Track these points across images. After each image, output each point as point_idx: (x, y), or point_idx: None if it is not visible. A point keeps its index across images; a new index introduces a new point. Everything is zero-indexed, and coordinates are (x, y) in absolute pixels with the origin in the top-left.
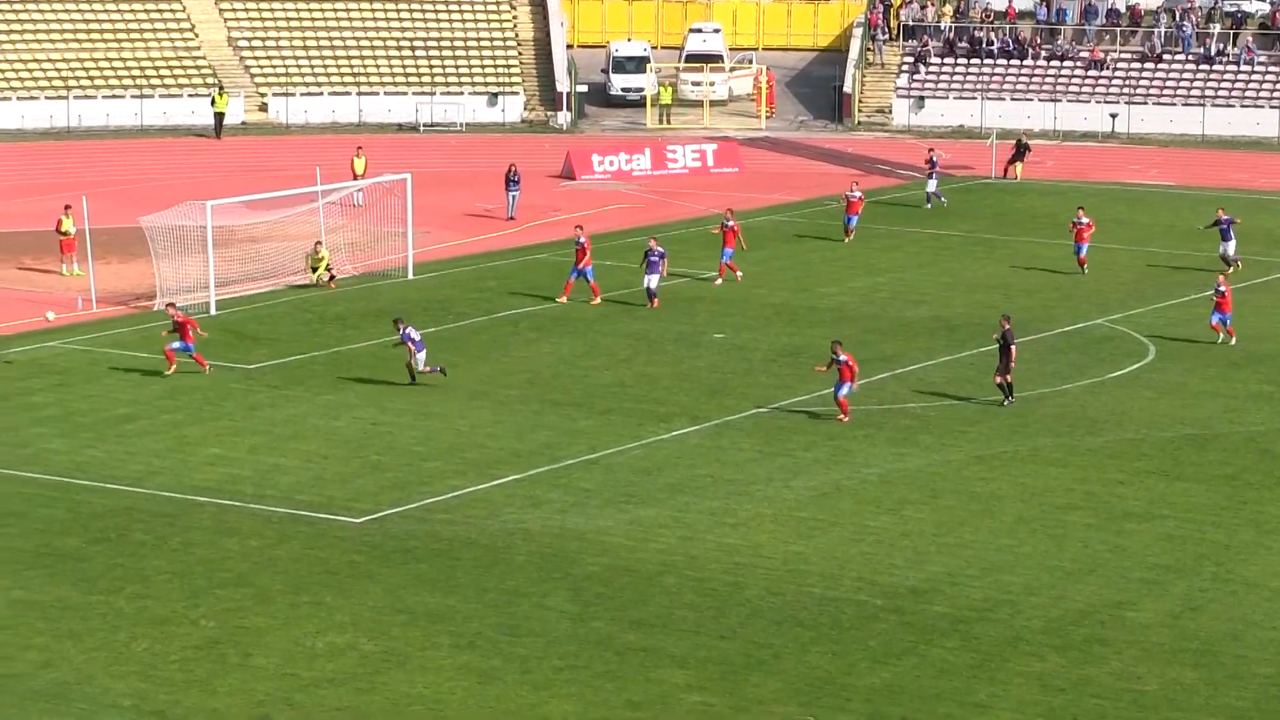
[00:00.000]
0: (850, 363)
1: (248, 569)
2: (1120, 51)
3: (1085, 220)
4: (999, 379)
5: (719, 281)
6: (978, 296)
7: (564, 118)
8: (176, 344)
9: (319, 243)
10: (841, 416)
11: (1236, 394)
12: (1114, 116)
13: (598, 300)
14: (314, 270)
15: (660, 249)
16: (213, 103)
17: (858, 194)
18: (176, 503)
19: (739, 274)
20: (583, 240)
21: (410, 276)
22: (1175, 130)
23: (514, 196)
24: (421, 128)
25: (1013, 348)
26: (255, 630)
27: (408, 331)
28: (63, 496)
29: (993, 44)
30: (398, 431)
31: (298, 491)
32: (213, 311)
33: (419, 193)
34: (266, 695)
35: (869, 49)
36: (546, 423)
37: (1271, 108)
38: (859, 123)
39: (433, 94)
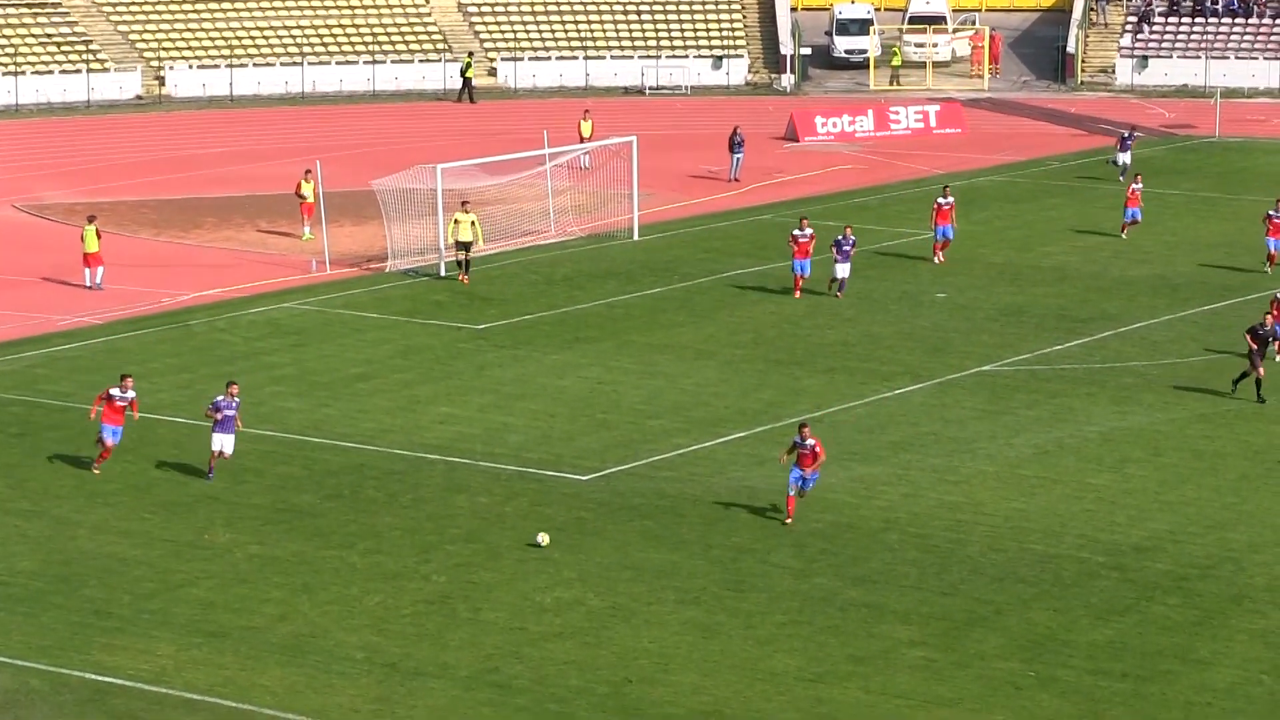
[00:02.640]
0: (817, 449)
1: (477, 525)
2: None
3: None
4: (1259, 373)
5: (940, 260)
6: (1201, 255)
7: (788, 80)
8: (110, 436)
9: (465, 203)
10: (787, 519)
11: None
12: None
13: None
14: (459, 242)
15: (853, 238)
16: (464, 70)
17: (1138, 185)
18: (407, 460)
19: (939, 258)
20: (809, 232)
21: (635, 238)
22: None
23: (738, 159)
24: (647, 91)
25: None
26: (484, 585)
27: (227, 400)
28: (298, 454)
29: (1217, 2)
30: (624, 390)
31: (526, 449)
32: (442, 273)
33: (644, 155)
34: (495, 649)
35: (1092, 8)
36: (771, 381)
37: None
38: (1082, 83)
39: (658, 57)
